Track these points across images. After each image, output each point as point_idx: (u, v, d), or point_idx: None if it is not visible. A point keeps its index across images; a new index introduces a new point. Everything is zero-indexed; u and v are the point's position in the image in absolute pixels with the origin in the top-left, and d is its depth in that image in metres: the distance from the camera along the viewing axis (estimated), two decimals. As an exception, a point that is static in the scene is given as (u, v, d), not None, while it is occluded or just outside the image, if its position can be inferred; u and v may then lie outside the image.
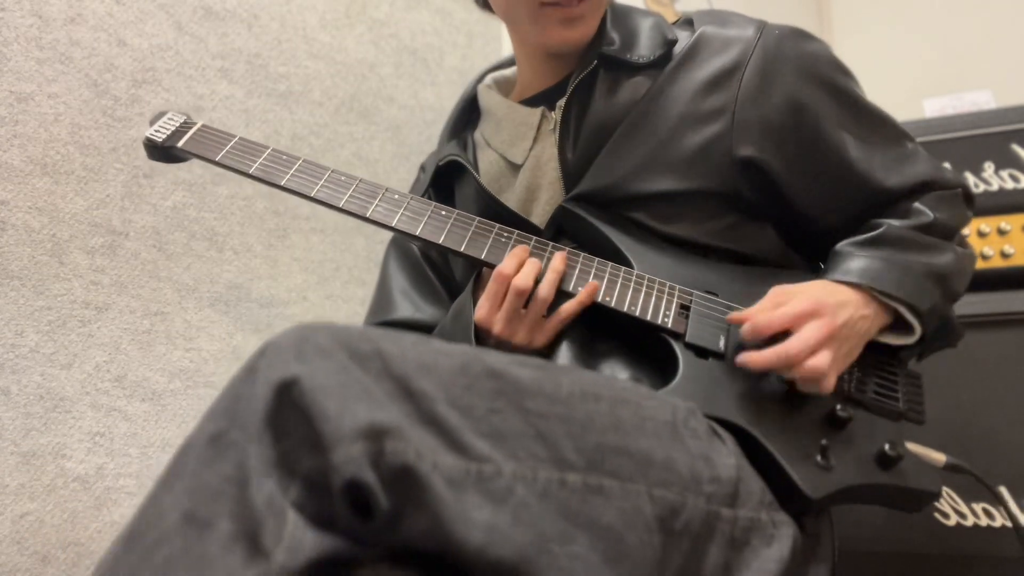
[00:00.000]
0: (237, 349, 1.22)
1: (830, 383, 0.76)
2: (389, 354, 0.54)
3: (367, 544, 0.51)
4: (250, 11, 1.31)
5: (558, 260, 0.82)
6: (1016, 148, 1.35)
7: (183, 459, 0.52)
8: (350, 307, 1.42)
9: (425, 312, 0.99)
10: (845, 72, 0.91)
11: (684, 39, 0.91)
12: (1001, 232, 1.32)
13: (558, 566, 0.53)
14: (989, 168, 1.35)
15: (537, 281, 0.81)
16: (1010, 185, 1.34)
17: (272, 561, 0.47)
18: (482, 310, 0.83)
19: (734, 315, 0.79)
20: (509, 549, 0.51)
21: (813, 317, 0.76)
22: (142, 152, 1.06)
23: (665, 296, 0.82)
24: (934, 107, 1.54)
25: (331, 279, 1.39)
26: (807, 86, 0.87)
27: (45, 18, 1.05)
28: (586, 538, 0.55)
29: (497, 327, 0.82)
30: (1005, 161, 1.35)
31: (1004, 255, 1.31)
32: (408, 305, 1.00)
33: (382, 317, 1.00)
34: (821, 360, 0.74)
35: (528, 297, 0.81)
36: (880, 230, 0.85)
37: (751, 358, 0.75)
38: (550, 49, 0.93)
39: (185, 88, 1.20)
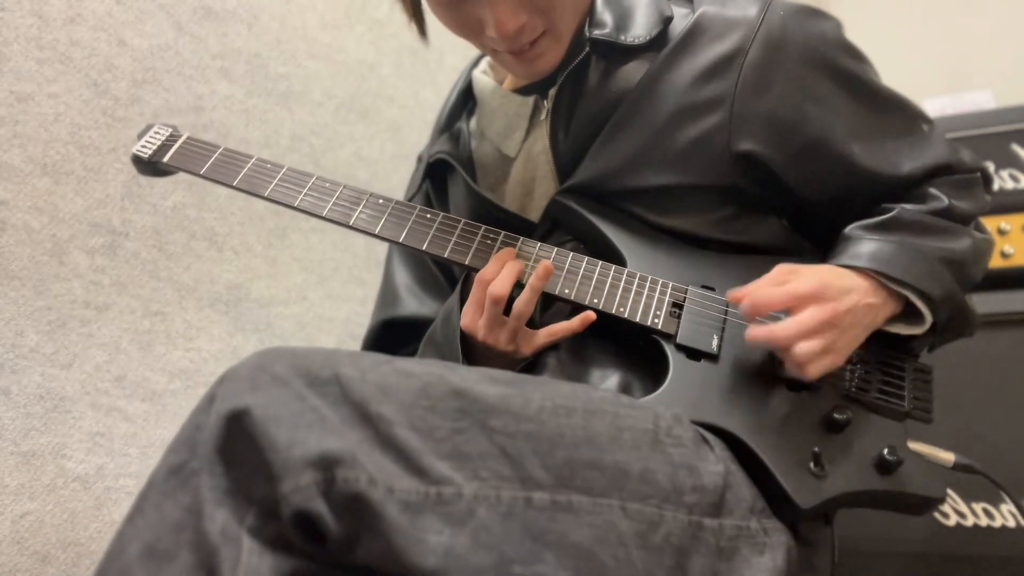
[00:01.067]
0: (237, 349, 1.22)
1: (812, 372, 0.72)
2: (348, 379, 0.54)
3: (329, 564, 0.51)
4: (250, 11, 1.31)
5: (537, 277, 0.78)
6: (1016, 148, 1.35)
7: (147, 492, 0.53)
8: (350, 306, 1.42)
9: (429, 307, 0.98)
10: (855, 55, 0.85)
11: (681, 18, 0.85)
12: (1001, 232, 1.32)
13: None
14: (989, 168, 1.35)
15: (521, 285, 0.79)
16: (1010, 185, 1.34)
17: None
18: (466, 316, 0.81)
19: (734, 292, 0.76)
20: (467, 573, 0.51)
21: (816, 300, 0.73)
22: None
23: (656, 295, 0.80)
24: (934, 107, 1.54)
25: (331, 278, 1.39)
26: (813, 75, 0.82)
27: (45, 18, 1.05)
28: (553, 557, 0.54)
29: (480, 333, 0.80)
30: (1005, 161, 1.35)
31: (1004, 255, 1.31)
32: (413, 300, 0.99)
33: (388, 313, 1.00)
34: (809, 347, 0.71)
35: (509, 303, 0.79)
36: (892, 213, 0.81)
37: (748, 332, 0.73)
38: (520, 80, 0.91)
39: (185, 88, 1.20)
